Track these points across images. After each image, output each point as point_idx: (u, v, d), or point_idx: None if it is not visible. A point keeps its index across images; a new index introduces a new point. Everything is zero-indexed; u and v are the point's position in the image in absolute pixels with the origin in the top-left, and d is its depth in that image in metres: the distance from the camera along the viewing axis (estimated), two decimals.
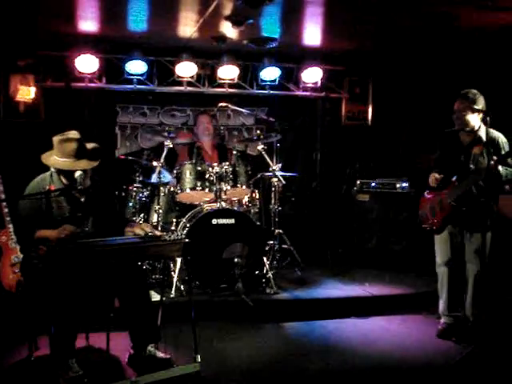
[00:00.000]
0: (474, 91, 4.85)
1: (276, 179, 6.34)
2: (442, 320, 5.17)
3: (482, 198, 4.81)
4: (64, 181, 4.21)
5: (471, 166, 4.84)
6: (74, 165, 4.12)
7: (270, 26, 6.49)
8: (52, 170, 4.25)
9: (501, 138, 4.88)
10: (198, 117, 7.03)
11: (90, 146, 4.30)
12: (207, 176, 5.99)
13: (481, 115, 4.80)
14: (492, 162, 4.55)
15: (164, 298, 4.67)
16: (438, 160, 5.14)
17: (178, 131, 7.82)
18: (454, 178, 4.85)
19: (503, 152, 4.78)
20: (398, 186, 7.36)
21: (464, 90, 4.88)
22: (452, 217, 4.94)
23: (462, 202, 4.84)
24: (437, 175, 4.95)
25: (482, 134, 4.84)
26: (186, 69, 7.45)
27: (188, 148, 6.73)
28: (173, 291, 5.62)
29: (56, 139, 4.19)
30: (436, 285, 5.28)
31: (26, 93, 7.20)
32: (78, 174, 4.07)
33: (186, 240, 4.00)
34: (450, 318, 5.11)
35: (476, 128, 4.88)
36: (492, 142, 4.78)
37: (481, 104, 4.80)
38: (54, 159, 4.17)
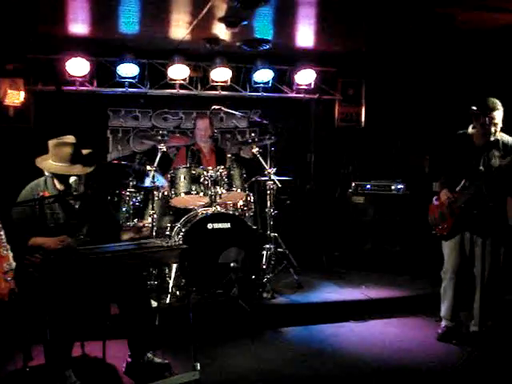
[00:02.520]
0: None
1: (271, 182, 6.27)
2: (443, 323, 5.14)
3: (492, 201, 4.72)
4: (59, 186, 4.13)
5: (481, 167, 4.77)
6: (68, 170, 4.06)
7: (263, 27, 6.43)
8: (46, 175, 4.17)
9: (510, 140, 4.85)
10: (196, 120, 6.91)
11: (85, 151, 4.23)
12: (202, 180, 5.91)
13: None
14: (508, 158, 4.57)
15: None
16: (447, 162, 5.09)
17: (171, 134, 7.72)
18: (465, 183, 4.83)
19: None
20: (393, 187, 7.32)
21: (492, 100, 4.77)
22: (462, 221, 4.88)
23: (472, 205, 4.78)
24: (449, 194, 4.91)
25: (498, 136, 4.83)
26: (179, 71, 7.38)
27: (185, 151, 6.65)
28: (168, 297, 5.55)
29: (51, 143, 4.12)
30: (433, 288, 5.27)
31: (15, 97, 7.08)
32: (72, 179, 4.00)
33: (184, 246, 3.94)
34: (452, 322, 5.08)
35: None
36: (505, 146, 4.80)
37: None
38: (49, 163, 4.11)
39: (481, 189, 4.71)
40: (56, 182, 4.14)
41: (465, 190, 4.83)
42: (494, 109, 4.74)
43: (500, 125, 4.78)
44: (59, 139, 4.15)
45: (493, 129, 4.75)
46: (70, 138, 4.17)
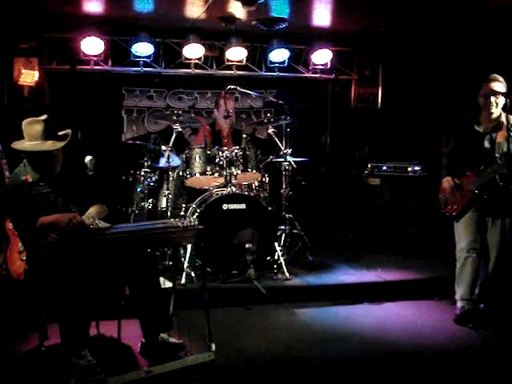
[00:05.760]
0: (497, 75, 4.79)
1: (287, 163, 6.23)
2: (460, 304, 5.07)
3: (505, 185, 4.70)
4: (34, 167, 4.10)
5: (496, 154, 4.77)
6: (40, 146, 4.00)
7: (280, 6, 6.35)
8: (25, 161, 4.14)
9: None
10: (219, 99, 6.77)
11: (62, 132, 4.20)
12: (217, 160, 5.88)
13: (505, 100, 4.75)
14: None
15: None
16: (456, 147, 5.05)
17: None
18: (480, 168, 4.80)
19: None
20: (409, 169, 7.24)
21: (493, 74, 4.78)
22: (472, 203, 4.87)
23: (485, 190, 4.79)
24: (451, 182, 4.93)
25: (504, 119, 4.79)
26: (194, 51, 7.31)
27: (208, 131, 6.60)
28: (183, 278, 5.54)
29: (23, 123, 4.09)
30: (449, 270, 5.25)
31: (30, 76, 7.07)
32: (87, 159, 3.96)
33: (200, 226, 3.91)
34: (469, 303, 5.02)
35: (498, 114, 4.83)
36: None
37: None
38: (23, 144, 4.07)
39: (494, 175, 4.73)
40: (32, 164, 4.09)
41: (479, 174, 4.81)
42: (494, 79, 4.74)
43: (500, 99, 4.75)
44: (30, 118, 4.11)
45: (496, 102, 4.74)
46: (43, 116, 4.12)
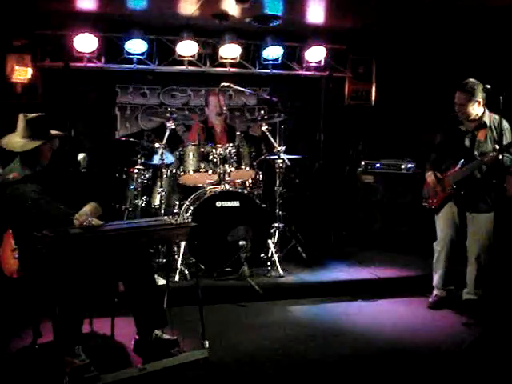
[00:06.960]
0: (472, 81, 4.90)
1: (280, 160, 6.23)
2: (435, 292, 5.39)
3: (485, 182, 4.92)
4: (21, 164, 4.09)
5: (475, 152, 4.95)
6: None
7: (273, 3, 6.35)
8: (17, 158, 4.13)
9: (504, 123, 4.89)
10: (208, 96, 6.79)
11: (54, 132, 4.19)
12: (211, 157, 5.89)
13: (482, 103, 4.88)
14: (494, 153, 4.68)
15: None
16: (441, 143, 5.27)
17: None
18: (459, 164, 4.98)
19: (506, 137, 4.83)
20: (403, 166, 7.29)
21: (463, 82, 4.92)
22: (451, 198, 5.12)
23: (463, 186, 5.00)
24: (433, 176, 5.17)
25: (487, 118, 4.94)
26: (187, 48, 7.31)
27: (201, 128, 6.60)
28: (177, 275, 5.55)
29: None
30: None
31: (23, 73, 7.05)
32: (81, 156, 3.96)
33: (194, 224, 3.91)
34: (443, 292, 5.33)
35: (480, 115, 4.95)
36: (496, 128, 4.90)
37: (480, 93, 4.85)
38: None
39: (473, 171, 4.94)
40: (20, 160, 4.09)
41: (458, 171, 5.01)
42: (458, 90, 4.90)
43: (470, 107, 4.86)
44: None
45: (464, 111, 4.89)
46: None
